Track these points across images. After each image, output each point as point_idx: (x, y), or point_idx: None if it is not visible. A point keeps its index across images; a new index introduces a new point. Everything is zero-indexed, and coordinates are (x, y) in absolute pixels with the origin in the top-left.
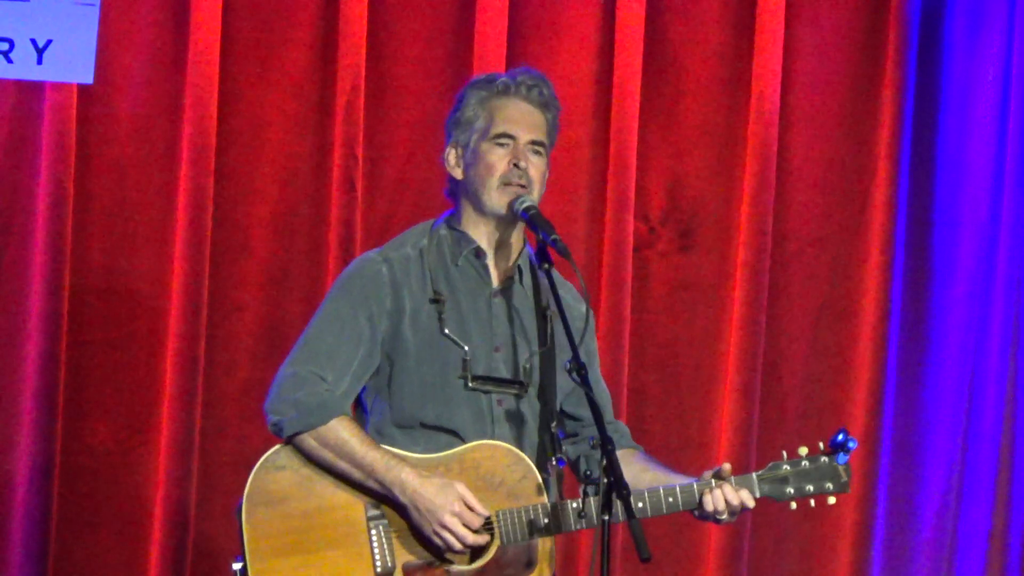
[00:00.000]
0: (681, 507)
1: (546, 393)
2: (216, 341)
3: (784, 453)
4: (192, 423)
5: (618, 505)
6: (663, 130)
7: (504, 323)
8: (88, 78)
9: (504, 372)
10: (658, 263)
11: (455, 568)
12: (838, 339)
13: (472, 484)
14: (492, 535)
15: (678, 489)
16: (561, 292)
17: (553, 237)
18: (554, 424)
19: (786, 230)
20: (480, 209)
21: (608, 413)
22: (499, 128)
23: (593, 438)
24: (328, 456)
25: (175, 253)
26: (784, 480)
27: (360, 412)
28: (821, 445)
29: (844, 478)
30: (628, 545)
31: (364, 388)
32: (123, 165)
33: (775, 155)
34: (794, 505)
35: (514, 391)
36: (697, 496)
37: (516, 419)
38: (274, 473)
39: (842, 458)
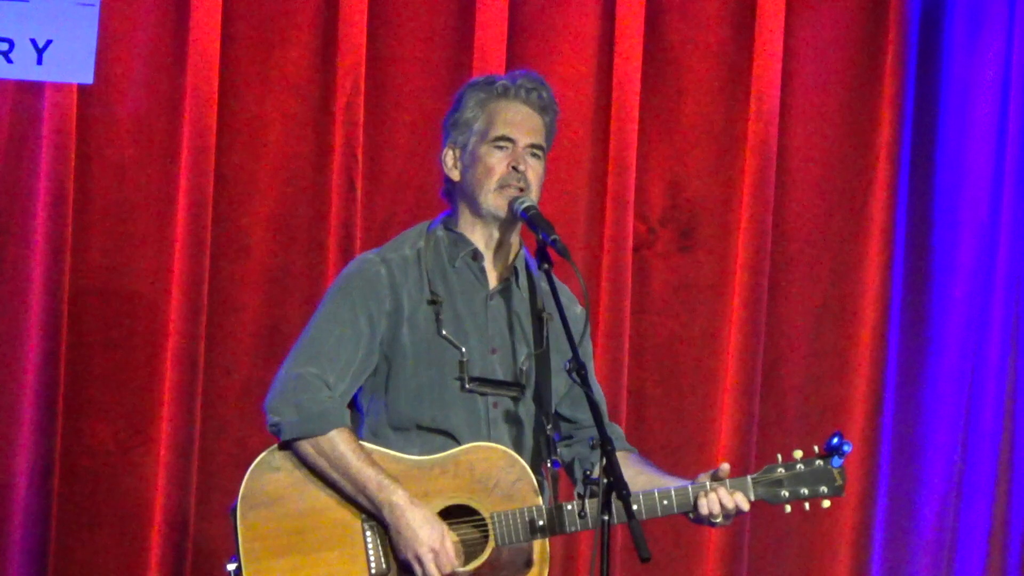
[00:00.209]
0: (676, 510)
1: (541, 395)
2: (216, 341)
3: (779, 456)
4: (192, 423)
5: (617, 506)
6: (663, 130)
7: (500, 325)
8: (88, 78)
9: (500, 374)
10: (658, 263)
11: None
12: (838, 339)
13: (467, 485)
14: (487, 536)
15: (673, 492)
16: (557, 293)
17: (553, 237)
18: (549, 427)
19: (786, 230)
20: (477, 211)
21: (603, 415)
22: (498, 131)
23: (593, 438)
24: (322, 465)
25: (175, 253)
26: (779, 483)
27: (355, 412)
28: (816, 448)
29: (839, 481)
30: (628, 545)
31: (360, 388)
32: (123, 165)
33: (775, 155)
34: (788, 508)
35: (511, 393)
36: (692, 499)
37: (512, 421)
38: (269, 474)
39: (837, 461)
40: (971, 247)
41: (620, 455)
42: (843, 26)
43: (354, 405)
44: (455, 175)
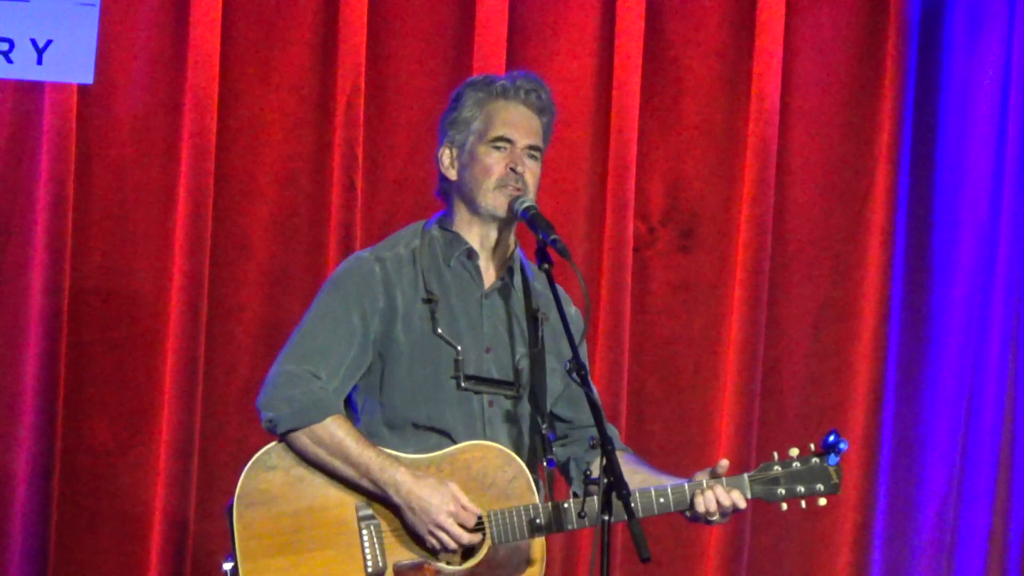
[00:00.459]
0: (672, 508)
1: (537, 395)
2: (216, 341)
3: (775, 454)
4: (192, 423)
5: (616, 505)
6: (663, 130)
7: (495, 324)
8: (88, 78)
9: (495, 373)
10: (658, 263)
11: (446, 568)
12: (838, 339)
13: (463, 484)
14: (483, 535)
15: (669, 490)
16: (549, 293)
17: (553, 237)
18: (545, 426)
19: (786, 230)
20: (475, 211)
21: (603, 416)
22: (497, 131)
23: (593, 437)
24: (322, 454)
25: (175, 253)
26: (775, 481)
27: (349, 412)
28: (812, 446)
29: (835, 479)
30: (628, 545)
31: (355, 387)
32: (123, 165)
33: (775, 155)
34: (785, 506)
35: (506, 392)
36: (688, 497)
37: (507, 420)
38: (265, 473)
39: (833, 459)
40: (971, 247)
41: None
42: (843, 26)
43: (349, 404)
44: (452, 174)
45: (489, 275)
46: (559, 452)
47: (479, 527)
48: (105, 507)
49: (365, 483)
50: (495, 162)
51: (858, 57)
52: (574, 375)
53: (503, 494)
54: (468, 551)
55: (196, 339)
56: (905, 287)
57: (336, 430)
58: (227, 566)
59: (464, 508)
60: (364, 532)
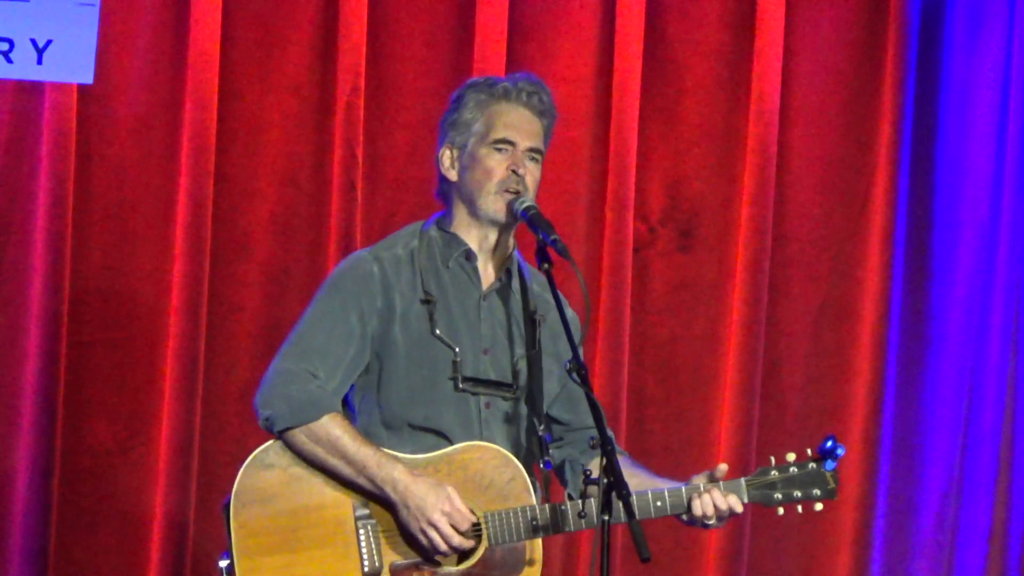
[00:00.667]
0: (669, 511)
1: (533, 397)
2: (216, 341)
3: (772, 459)
4: (192, 423)
5: (615, 506)
6: (663, 130)
7: (493, 326)
8: (88, 78)
9: (492, 375)
10: (658, 263)
11: (442, 569)
12: (838, 339)
13: (461, 485)
14: (480, 536)
15: (666, 493)
16: (548, 295)
17: (553, 237)
18: (541, 428)
19: (786, 230)
20: (475, 213)
21: (590, 417)
22: (499, 133)
23: (593, 437)
24: (319, 452)
25: (175, 253)
26: (772, 486)
27: (347, 411)
28: (809, 451)
29: (832, 484)
30: (628, 545)
31: (352, 387)
32: (123, 165)
33: (775, 155)
34: (781, 511)
35: (503, 394)
36: (685, 501)
37: (504, 422)
38: (262, 471)
39: (830, 464)
40: (971, 247)
41: None
42: (843, 26)
43: (346, 404)
44: (452, 175)
45: (487, 276)
46: (555, 454)
47: (476, 530)
48: (105, 507)
49: (362, 480)
50: (496, 164)
51: (858, 57)
52: (574, 375)
53: (500, 495)
54: (464, 552)
55: (196, 339)
56: (905, 287)
57: (333, 428)
58: (223, 564)
59: (458, 510)
60: (361, 532)
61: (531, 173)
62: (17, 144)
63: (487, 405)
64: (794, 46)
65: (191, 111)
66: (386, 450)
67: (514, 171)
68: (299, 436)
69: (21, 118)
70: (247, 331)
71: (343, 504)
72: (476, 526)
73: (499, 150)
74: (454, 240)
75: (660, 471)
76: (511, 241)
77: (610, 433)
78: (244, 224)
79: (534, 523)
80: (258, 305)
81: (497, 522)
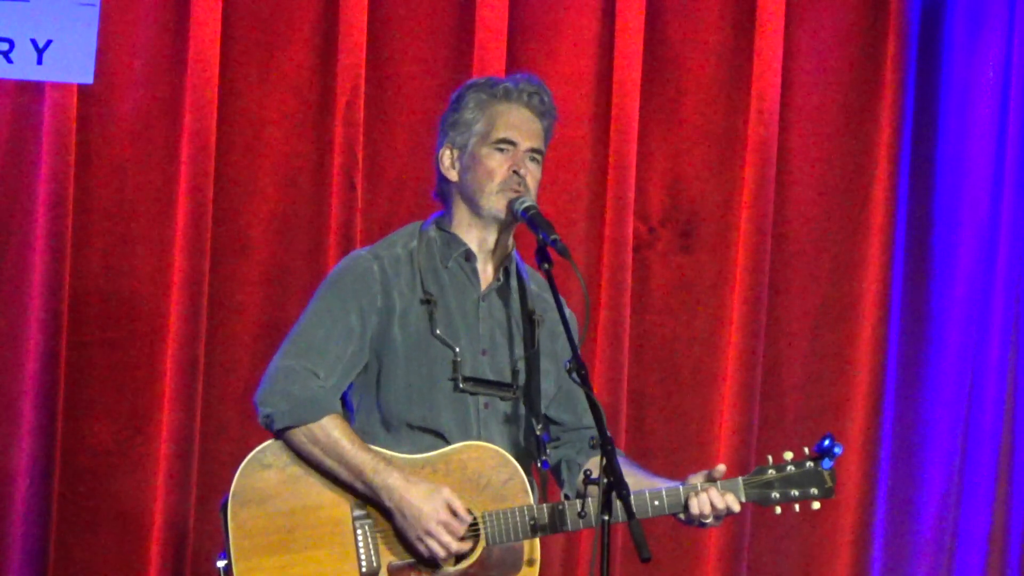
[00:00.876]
0: (667, 510)
1: (531, 397)
2: (216, 341)
3: (769, 458)
4: (192, 423)
5: (614, 506)
6: (663, 130)
7: (491, 326)
8: (88, 78)
9: (490, 375)
10: (658, 263)
11: (440, 569)
12: (838, 339)
13: (458, 485)
14: (477, 536)
15: (664, 492)
16: (546, 294)
17: (553, 237)
18: (539, 428)
19: (786, 230)
20: (477, 212)
21: (589, 417)
22: (500, 134)
23: (593, 437)
24: (316, 453)
25: (175, 253)
26: (769, 485)
27: (345, 410)
28: (807, 450)
29: (829, 483)
30: (628, 545)
31: (351, 386)
32: (123, 165)
33: (775, 155)
34: (779, 510)
35: (503, 394)
36: (682, 500)
37: (502, 422)
38: (260, 471)
39: (827, 463)
40: (971, 247)
41: None
42: (843, 26)
43: (344, 403)
44: (452, 175)
45: (486, 277)
46: (551, 454)
47: (473, 528)
48: (105, 507)
49: (358, 485)
50: (498, 165)
51: (858, 57)
52: (574, 375)
53: (498, 495)
54: (463, 552)
55: (196, 339)
56: (905, 287)
57: (332, 430)
58: (221, 564)
59: (456, 515)
60: (359, 532)
61: (532, 173)
62: (17, 144)
63: (486, 405)
64: (794, 46)
65: (191, 111)
66: (384, 452)
67: (515, 171)
68: (298, 436)
69: (21, 118)
70: (247, 331)
71: (341, 504)
72: (474, 526)
73: (500, 150)
74: (454, 240)
75: (660, 471)
76: (510, 241)
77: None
78: (244, 224)
79: (532, 523)
80: (258, 305)
81: (495, 522)
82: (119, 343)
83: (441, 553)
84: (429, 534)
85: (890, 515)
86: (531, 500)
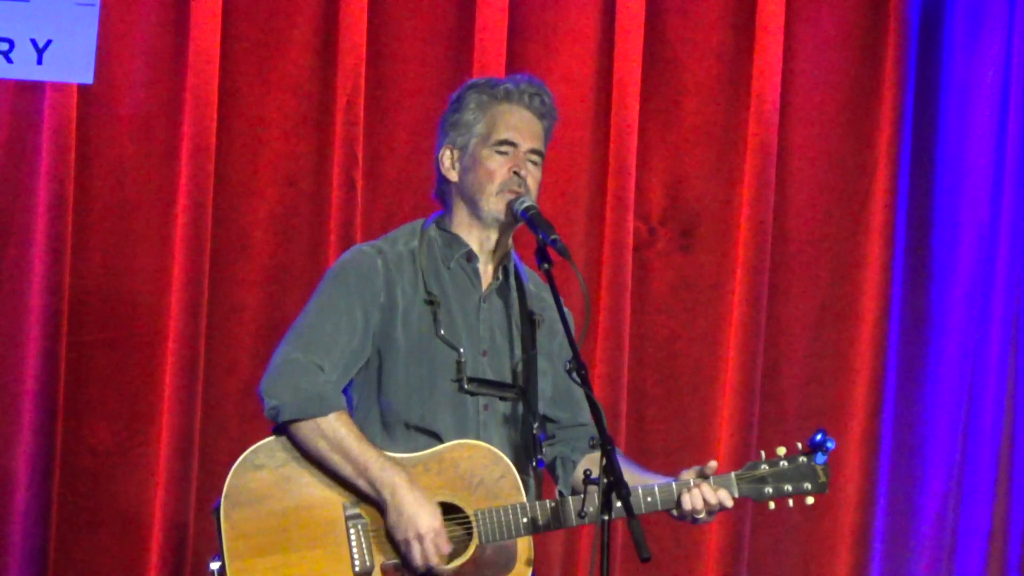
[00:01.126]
0: (660, 506)
1: (529, 397)
2: (216, 341)
3: (762, 453)
4: (192, 423)
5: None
6: (663, 130)
7: (491, 327)
8: (88, 78)
9: (490, 376)
10: (658, 263)
11: (434, 568)
12: (838, 339)
13: (450, 483)
14: (471, 534)
15: (656, 488)
16: (544, 294)
17: (553, 237)
18: (536, 427)
19: (786, 230)
20: (477, 214)
21: (584, 415)
22: (501, 135)
23: (593, 437)
24: (322, 447)
25: (175, 253)
26: (762, 480)
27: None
28: (800, 445)
29: (822, 478)
30: (628, 545)
31: (351, 381)
32: (123, 165)
33: (775, 155)
34: (772, 505)
35: (506, 395)
36: (675, 495)
37: (502, 422)
38: (253, 472)
39: (820, 458)
40: (971, 247)
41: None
42: (843, 26)
43: (344, 398)
44: (453, 175)
45: (486, 277)
46: (546, 451)
47: (467, 526)
48: (105, 507)
49: (361, 482)
50: (498, 166)
51: (858, 57)
52: (574, 375)
53: (490, 493)
54: (455, 550)
55: (196, 339)
56: (905, 287)
57: (340, 426)
58: (214, 566)
59: (444, 541)
60: (351, 531)
61: (532, 175)
62: (17, 144)
63: (485, 407)
64: (794, 46)
65: (191, 111)
66: (388, 454)
67: (515, 173)
68: (304, 429)
69: (21, 118)
70: (247, 331)
71: (333, 504)
72: (467, 524)
73: (501, 152)
74: (455, 241)
75: (660, 471)
76: (510, 242)
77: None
78: (244, 224)
79: (525, 521)
80: (258, 305)
81: (488, 520)
82: (119, 343)
83: (419, 561)
84: (419, 537)
85: (890, 515)
86: (524, 498)
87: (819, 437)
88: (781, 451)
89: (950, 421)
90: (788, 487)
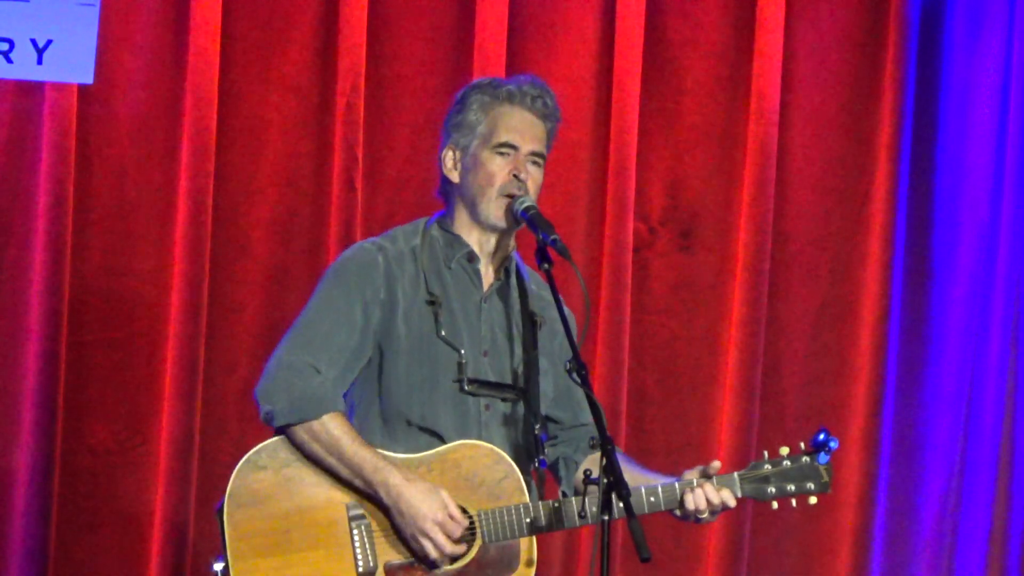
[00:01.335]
0: (663, 506)
1: (531, 397)
2: (216, 341)
3: (765, 453)
4: (192, 423)
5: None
6: (663, 130)
7: (492, 327)
8: (88, 78)
9: (491, 376)
10: (658, 263)
11: (437, 568)
12: (838, 339)
13: (453, 483)
14: (473, 535)
15: (660, 489)
16: (545, 294)
17: (553, 237)
18: (538, 427)
19: (786, 230)
20: (476, 217)
21: (586, 415)
22: (501, 137)
23: (593, 437)
24: (317, 450)
25: (175, 253)
26: (765, 480)
27: (345, 404)
28: (802, 445)
29: (825, 478)
30: (628, 545)
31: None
32: (123, 165)
33: (775, 155)
34: (775, 505)
35: (507, 395)
36: (678, 496)
37: (503, 423)
38: (256, 473)
39: (823, 458)
40: (971, 247)
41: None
42: (843, 26)
43: (344, 396)
44: (454, 176)
45: (488, 278)
46: (549, 452)
47: (469, 528)
48: (105, 507)
49: (357, 482)
50: (498, 169)
51: (858, 57)
52: (574, 375)
53: (492, 494)
54: (459, 542)
55: (196, 339)
56: (905, 287)
57: (333, 428)
58: (218, 566)
59: (452, 518)
60: (355, 532)
61: (532, 177)
62: (17, 144)
63: (487, 407)
64: (794, 46)
65: (191, 111)
66: (383, 452)
67: (515, 176)
68: (299, 432)
69: (21, 118)
70: (247, 331)
71: (337, 504)
72: (470, 525)
73: (501, 154)
74: (457, 241)
75: (660, 471)
76: (511, 243)
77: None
78: (244, 224)
79: (528, 521)
80: (258, 305)
81: (490, 520)
82: (119, 343)
83: (434, 553)
84: (424, 533)
85: (890, 515)
86: (526, 498)
87: (822, 436)
88: (784, 451)
89: (950, 421)
90: (791, 487)
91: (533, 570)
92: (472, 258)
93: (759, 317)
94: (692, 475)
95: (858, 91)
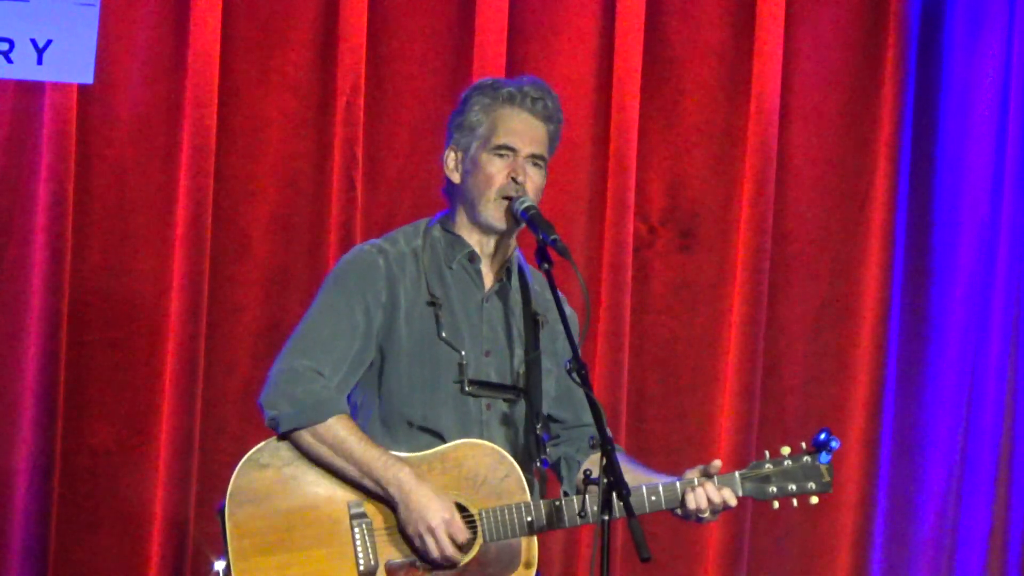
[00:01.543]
0: (664, 506)
1: (533, 397)
2: (216, 341)
3: (767, 452)
4: (192, 423)
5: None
6: (663, 130)
7: (494, 327)
8: (88, 78)
9: (493, 377)
10: (658, 263)
11: (438, 568)
12: (838, 339)
13: (455, 482)
14: (475, 533)
15: (661, 488)
16: (548, 295)
17: (553, 237)
18: (539, 427)
19: (786, 230)
20: (475, 219)
21: (588, 415)
22: (500, 139)
23: (593, 437)
24: (325, 452)
25: (175, 253)
26: (766, 479)
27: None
28: (804, 444)
29: (827, 478)
30: (628, 545)
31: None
32: (123, 165)
33: (775, 155)
34: (776, 504)
35: (508, 396)
36: (680, 495)
37: (504, 423)
38: (257, 471)
39: (824, 457)
40: (971, 247)
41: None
42: (843, 26)
43: (347, 399)
44: (455, 177)
45: (489, 278)
46: (551, 452)
47: (471, 524)
48: (105, 507)
49: (367, 482)
50: (497, 171)
51: (858, 57)
52: (574, 375)
53: (494, 492)
54: (460, 549)
55: (196, 339)
56: (905, 287)
57: (340, 430)
58: (219, 565)
59: (458, 522)
60: (356, 531)
61: (532, 179)
62: (17, 144)
63: (488, 407)
64: (794, 46)
65: (191, 111)
66: (393, 452)
67: (514, 179)
68: (305, 437)
69: (21, 118)
70: (247, 331)
71: (338, 503)
72: (472, 522)
73: (500, 156)
74: (458, 242)
75: (660, 471)
76: (512, 243)
77: (609, 433)
78: (244, 224)
79: (529, 520)
80: (258, 305)
81: (492, 519)
82: (119, 343)
83: (435, 552)
84: (430, 530)
85: (890, 515)
86: (528, 497)
87: (823, 436)
88: (785, 450)
89: (950, 421)
90: (792, 487)
91: (533, 571)
92: (473, 258)
93: (759, 317)
94: (693, 474)
95: (858, 91)
